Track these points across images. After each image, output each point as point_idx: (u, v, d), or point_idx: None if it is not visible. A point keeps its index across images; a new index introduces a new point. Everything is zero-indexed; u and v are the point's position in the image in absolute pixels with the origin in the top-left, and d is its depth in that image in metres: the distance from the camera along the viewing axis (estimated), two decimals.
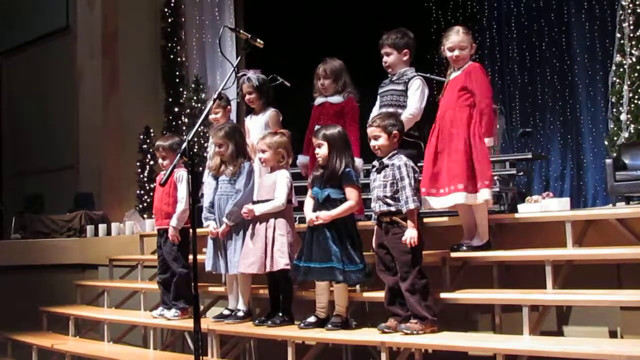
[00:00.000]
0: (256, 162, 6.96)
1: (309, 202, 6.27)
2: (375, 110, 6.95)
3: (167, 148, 7.58)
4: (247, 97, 7.31)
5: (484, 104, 6.25)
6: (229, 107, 7.81)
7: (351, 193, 6.10)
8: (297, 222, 6.96)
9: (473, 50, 6.44)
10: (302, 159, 7.27)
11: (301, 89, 7.44)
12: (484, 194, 6.10)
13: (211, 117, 7.65)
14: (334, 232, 6.06)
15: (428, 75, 7.67)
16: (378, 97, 7.03)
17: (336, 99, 7.09)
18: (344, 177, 6.08)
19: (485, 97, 6.27)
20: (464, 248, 6.33)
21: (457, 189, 6.13)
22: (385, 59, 6.90)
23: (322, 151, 6.15)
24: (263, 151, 6.62)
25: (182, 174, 7.49)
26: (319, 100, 7.24)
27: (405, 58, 6.87)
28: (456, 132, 6.23)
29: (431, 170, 6.30)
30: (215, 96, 5.95)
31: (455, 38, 6.45)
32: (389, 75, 6.97)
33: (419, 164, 6.23)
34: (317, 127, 6.91)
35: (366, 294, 6.41)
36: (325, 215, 6.05)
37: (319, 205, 6.14)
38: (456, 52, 6.43)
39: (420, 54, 7.20)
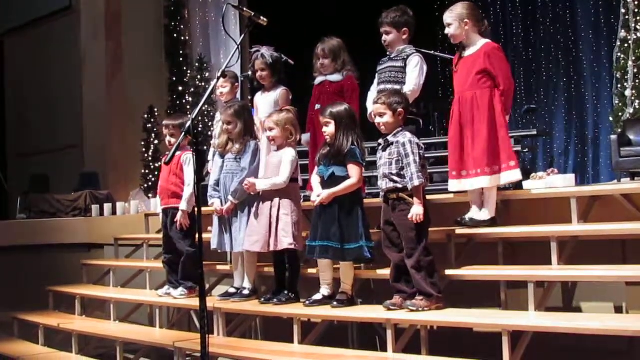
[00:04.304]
0: (263, 141, 6.96)
1: (315, 180, 6.28)
2: (374, 89, 6.96)
3: (176, 126, 7.56)
4: (259, 73, 7.29)
5: (506, 86, 6.27)
6: (237, 84, 7.79)
7: (353, 170, 6.09)
8: (302, 201, 6.96)
9: (467, 27, 6.37)
10: (306, 137, 7.30)
11: (303, 68, 7.43)
12: (512, 175, 6.15)
13: (218, 91, 7.65)
14: (337, 210, 6.07)
15: (432, 52, 7.66)
16: (376, 74, 7.04)
17: (335, 77, 7.10)
18: (348, 155, 6.08)
19: (507, 78, 6.30)
20: (467, 220, 6.35)
21: (482, 173, 6.16)
22: (384, 37, 6.92)
23: (329, 129, 6.14)
24: (271, 129, 6.60)
25: (188, 156, 7.45)
26: (318, 79, 7.26)
27: (404, 36, 6.88)
28: (478, 116, 6.22)
29: (458, 153, 6.33)
30: (219, 74, 5.93)
31: (444, 17, 6.48)
32: (388, 53, 6.98)
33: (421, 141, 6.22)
34: (317, 106, 6.93)
35: (371, 272, 6.42)
36: (325, 193, 6.07)
37: (324, 183, 6.15)
38: (446, 30, 6.46)
39: (424, 31, 7.19)
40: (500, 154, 6.20)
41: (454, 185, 6.40)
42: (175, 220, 7.51)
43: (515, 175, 6.21)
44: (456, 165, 6.36)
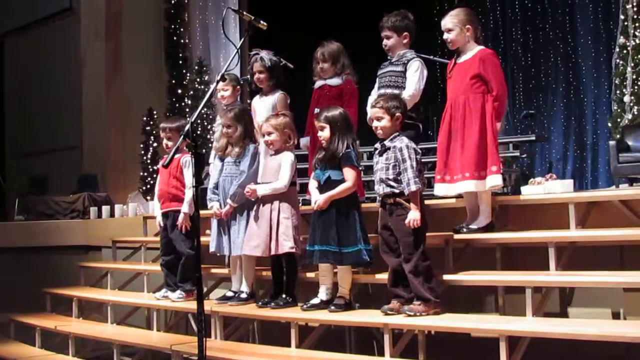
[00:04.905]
0: (261, 144, 6.95)
1: (312, 185, 6.28)
2: (374, 93, 6.96)
3: (173, 129, 7.56)
4: (257, 76, 7.27)
5: (499, 92, 6.27)
6: (238, 87, 7.77)
7: (348, 173, 6.08)
8: (300, 204, 6.96)
9: (469, 33, 6.39)
10: (304, 140, 7.29)
11: (303, 71, 7.43)
12: (493, 180, 6.15)
13: (219, 94, 7.65)
14: (334, 214, 6.07)
15: (431, 57, 7.67)
16: (377, 79, 7.04)
17: (335, 81, 7.09)
18: (343, 158, 6.08)
19: (501, 84, 6.30)
20: (465, 230, 6.35)
21: (468, 177, 6.16)
22: (385, 41, 6.92)
23: (324, 134, 6.15)
24: (269, 133, 6.60)
25: (187, 159, 7.46)
26: (318, 83, 7.24)
27: (405, 41, 6.88)
28: (469, 120, 6.23)
29: (445, 157, 6.34)
30: (218, 77, 5.93)
31: (442, 21, 6.49)
32: (389, 58, 6.98)
33: (419, 146, 6.22)
34: (316, 110, 6.92)
35: (369, 276, 6.42)
36: (322, 199, 6.08)
37: (321, 187, 6.16)
38: (444, 35, 6.46)
39: (423, 36, 7.20)
40: (486, 159, 6.21)
41: (440, 189, 6.41)
42: (177, 222, 7.50)
43: (496, 180, 6.19)
44: (443, 169, 6.37)
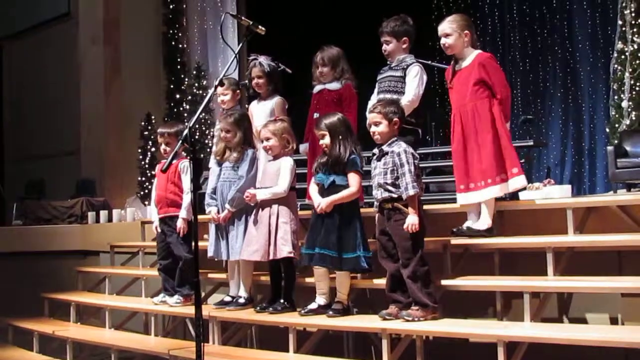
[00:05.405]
0: (260, 149, 6.95)
1: (314, 189, 6.27)
2: (374, 97, 6.96)
3: (171, 134, 7.56)
4: (256, 80, 7.29)
5: (503, 94, 6.28)
6: (237, 91, 7.75)
7: (353, 179, 6.10)
8: (299, 209, 6.96)
9: (467, 38, 6.39)
10: (303, 147, 7.29)
11: (301, 76, 7.43)
12: (517, 182, 6.18)
13: (219, 99, 7.65)
14: (337, 219, 6.07)
15: (429, 62, 7.66)
16: (376, 84, 7.04)
17: (334, 85, 7.08)
18: (348, 164, 6.09)
19: (503, 86, 6.32)
20: (465, 230, 6.35)
21: (491, 183, 6.17)
22: (384, 46, 6.93)
23: (325, 141, 6.16)
24: (267, 138, 6.61)
25: (186, 164, 7.46)
26: (317, 87, 7.23)
27: (404, 46, 6.89)
28: (481, 127, 6.23)
29: (464, 167, 6.33)
30: (216, 83, 5.93)
31: (440, 27, 6.48)
32: (388, 62, 6.98)
33: (418, 151, 6.21)
34: (315, 115, 6.92)
35: (367, 281, 6.42)
36: (325, 202, 6.07)
37: (324, 192, 6.15)
38: (442, 40, 6.46)
39: (421, 41, 7.20)
40: (505, 162, 6.21)
41: (463, 198, 6.39)
42: (175, 227, 7.48)
43: (520, 181, 6.22)
44: (463, 178, 6.35)
